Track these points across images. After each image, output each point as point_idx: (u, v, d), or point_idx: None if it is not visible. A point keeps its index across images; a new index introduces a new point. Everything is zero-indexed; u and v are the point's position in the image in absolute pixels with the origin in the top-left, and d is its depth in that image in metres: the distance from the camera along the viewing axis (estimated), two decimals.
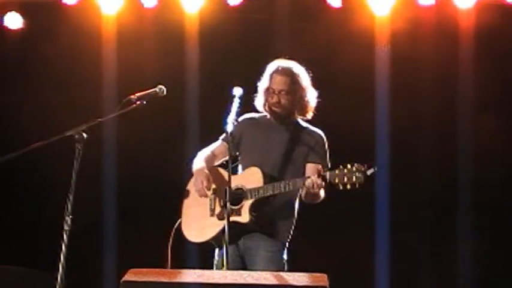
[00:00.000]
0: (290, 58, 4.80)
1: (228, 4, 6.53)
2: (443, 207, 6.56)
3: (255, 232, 4.53)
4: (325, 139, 4.72)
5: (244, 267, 4.52)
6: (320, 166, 4.47)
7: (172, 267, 4.49)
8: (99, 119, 3.99)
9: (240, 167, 4.71)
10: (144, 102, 4.13)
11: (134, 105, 4.11)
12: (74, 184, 3.75)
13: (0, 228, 6.60)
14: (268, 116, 4.73)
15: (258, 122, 4.73)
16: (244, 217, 4.46)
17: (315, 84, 4.81)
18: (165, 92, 4.28)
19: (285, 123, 4.71)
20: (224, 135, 4.71)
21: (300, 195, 4.63)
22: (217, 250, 4.63)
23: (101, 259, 6.56)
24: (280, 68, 4.69)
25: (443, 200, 6.56)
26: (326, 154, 4.69)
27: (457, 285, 6.52)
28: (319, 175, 4.36)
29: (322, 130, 4.80)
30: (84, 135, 3.83)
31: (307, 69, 4.77)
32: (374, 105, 6.46)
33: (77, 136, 3.82)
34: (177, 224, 4.66)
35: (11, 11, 6.73)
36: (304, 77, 4.72)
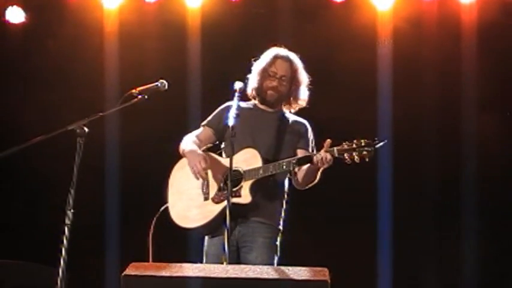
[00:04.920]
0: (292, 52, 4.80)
1: None
2: (446, 206, 6.55)
3: (252, 217, 4.45)
4: (310, 128, 4.70)
5: (238, 255, 4.45)
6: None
7: (154, 258, 4.44)
8: (101, 113, 3.99)
9: (223, 155, 4.67)
10: (146, 97, 4.14)
11: (135, 99, 4.12)
12: (75, 178, 3.75)
13: (1, 223, 6.61)
14: (256, 101, 4.71)
15: (243, 109, 4.52)
16: (246, 198, 4.36)
17: (316, 78, 4.81)
18: (166, 87, 4.28)
19: (272, 112, 4.67)
20: (206, 121, 4.73)
21: (291, 179, 4.59)
22: (207, 238, 4.55)
23: (103, 253, 6.56)
24: (284, 54, 4.69)
25: (446, 199, 6.54)
26: (313, 142, 4.69)
27: (460, 285, 6.52)
28: (327, 150, 4.27)
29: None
30: (86, 129, 3.83)
31: (307, 71, 4.76)
32: (376, 100, 6.46)
33: (78, 130, 3.82)
34: (160, 211, 4.58)
35: (12, 5, 6.74)
36: (302, 73, 4.72)
